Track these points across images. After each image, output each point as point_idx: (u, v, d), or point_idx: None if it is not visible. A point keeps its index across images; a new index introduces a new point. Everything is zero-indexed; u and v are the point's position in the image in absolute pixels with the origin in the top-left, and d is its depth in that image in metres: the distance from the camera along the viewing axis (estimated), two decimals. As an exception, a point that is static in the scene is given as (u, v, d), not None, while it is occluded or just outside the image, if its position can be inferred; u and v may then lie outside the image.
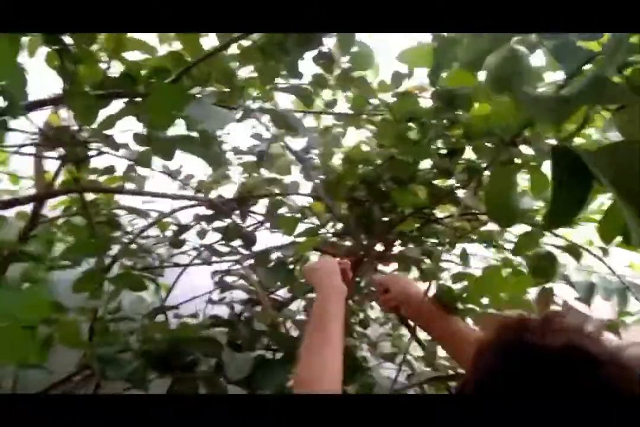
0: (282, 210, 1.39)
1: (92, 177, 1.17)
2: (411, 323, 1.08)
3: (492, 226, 1.64)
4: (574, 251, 1.05)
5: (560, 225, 0.59)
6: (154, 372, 0.88)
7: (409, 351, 1.54)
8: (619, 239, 1.33)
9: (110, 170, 1.19)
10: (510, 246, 1.68)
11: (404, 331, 1.74)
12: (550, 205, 0.55)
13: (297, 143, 1.37)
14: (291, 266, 1.14)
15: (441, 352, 1.43)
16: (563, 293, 1.51)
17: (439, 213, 1.51)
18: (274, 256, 1.22)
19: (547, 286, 1.54)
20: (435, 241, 1.56)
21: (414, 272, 1.64)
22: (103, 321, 1.02)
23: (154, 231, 1.38)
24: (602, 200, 1.38)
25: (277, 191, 1.31)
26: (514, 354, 0.52)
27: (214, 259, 1.35)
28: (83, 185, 1.10)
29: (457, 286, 1.72)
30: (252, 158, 1.36)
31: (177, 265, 1.28)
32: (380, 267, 1.31)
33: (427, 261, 1.65)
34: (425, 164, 1.39)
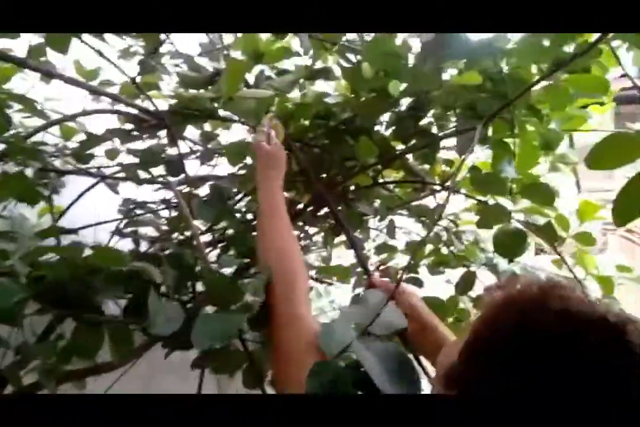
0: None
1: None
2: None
3: (426, 201, 1.57)
4: (549, 232, 0.96)
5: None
6: (43, 309, 0.66)
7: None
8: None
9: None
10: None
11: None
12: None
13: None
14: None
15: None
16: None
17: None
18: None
19: (471, 269, 1.51)
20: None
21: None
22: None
23: (53, 140, 1.10)
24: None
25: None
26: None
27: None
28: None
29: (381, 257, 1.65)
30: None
31: (90, 174, 1.00)
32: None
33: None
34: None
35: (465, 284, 1.49)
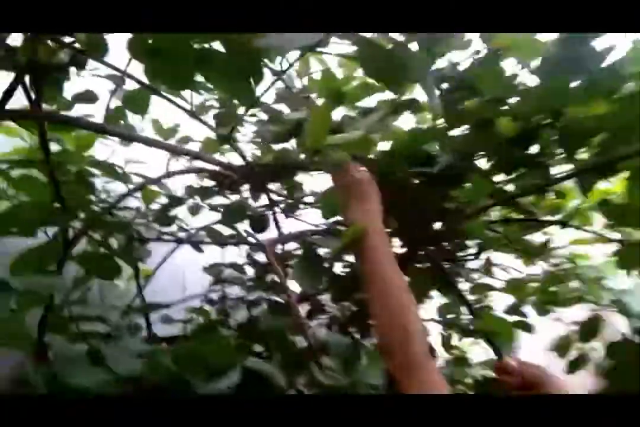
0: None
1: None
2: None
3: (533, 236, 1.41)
4: None
5: None
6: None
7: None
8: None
9: (89, 96, 0.84)
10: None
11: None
12: None
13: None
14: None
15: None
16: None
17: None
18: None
19: (596, 310, 1.32)
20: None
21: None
22: (60, 315, 0.69)
23: (133, 202, 1.05)
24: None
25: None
26: None
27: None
28: (45, 112, 0.76)
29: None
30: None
31: (174, 239, 0.94)
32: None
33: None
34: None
35: (590, 328, 1.31)
